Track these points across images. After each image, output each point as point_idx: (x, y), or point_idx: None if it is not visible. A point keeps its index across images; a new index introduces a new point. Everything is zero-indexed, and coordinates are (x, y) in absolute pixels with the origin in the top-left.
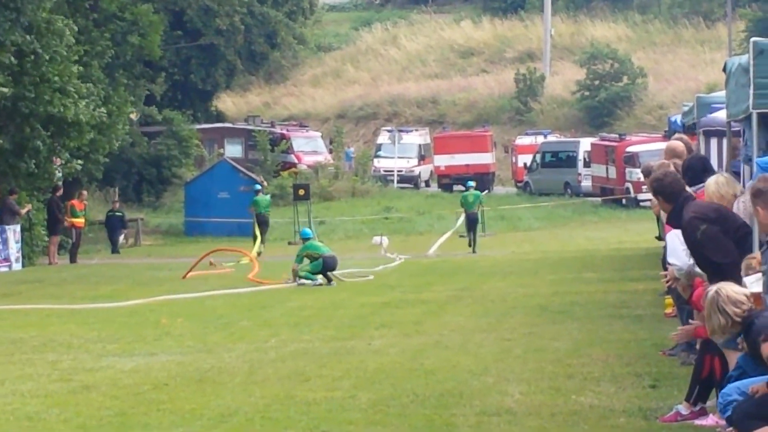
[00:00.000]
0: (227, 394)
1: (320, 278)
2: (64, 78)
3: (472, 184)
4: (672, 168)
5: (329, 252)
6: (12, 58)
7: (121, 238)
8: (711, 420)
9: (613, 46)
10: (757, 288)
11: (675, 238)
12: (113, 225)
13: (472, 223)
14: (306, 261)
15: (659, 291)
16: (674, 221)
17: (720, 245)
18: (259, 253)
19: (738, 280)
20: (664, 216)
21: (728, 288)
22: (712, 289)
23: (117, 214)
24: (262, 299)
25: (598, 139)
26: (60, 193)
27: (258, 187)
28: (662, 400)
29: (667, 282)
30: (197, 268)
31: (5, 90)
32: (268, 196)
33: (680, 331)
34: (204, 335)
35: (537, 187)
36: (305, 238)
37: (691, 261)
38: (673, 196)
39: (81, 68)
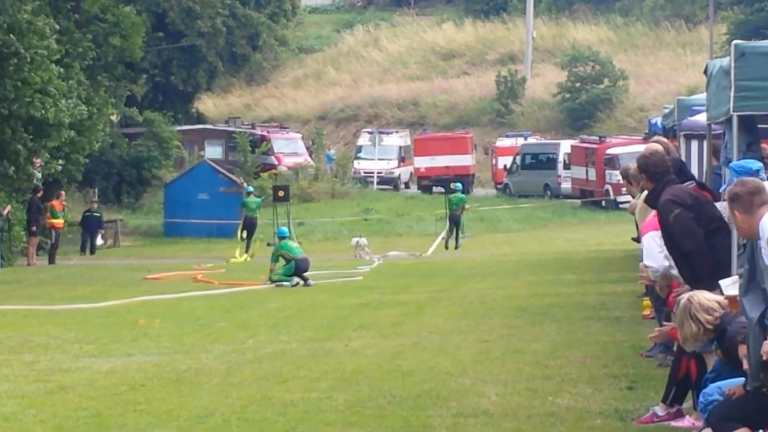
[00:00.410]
0: (204, 395)
1: (296, 278)
2: (44, 78)
3: (459, 186)
4: (662, 149)
5: (302, 254)
6: None
7: (99, 238)
8: (687, 422)
9: (595, 48)
10: (733, 291)
11: (651, 240)
12: (90, 225)
13: (454, 224)
14: (281, 261)
15: (637, 293)
16: (653, 202)
17: (690, 232)
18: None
19: (707, 271)
20: (639, 218)
21: (700, 296)
22: (684, 297)
23: (95, 214)
24: (240, 300)
25: (579, 141)
26: (40, 194)
27: (250, 189)
28: (639, 402)
29: (641, 283)
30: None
31: None
32: (258, 199)
33: (657, 332)
34: (181, 336)
35: (517, 189)
36: (281, 237)
37: (667, 263)
38: (656, 176)
39: (62, 69)
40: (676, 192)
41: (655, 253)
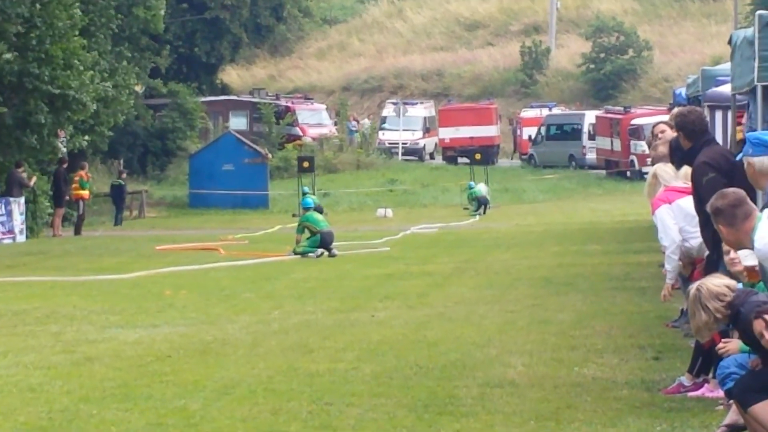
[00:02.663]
0: (230, 365)
1: (320, 249)
2: (67, 52)
3: (472, 185)
4: (699, 108)
5: (327, 227)
6: (19, 28)
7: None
8: (702, 390)
9: (619, 19)
10: (752, 261)
11: (665, 214)
12: (118, 194)
13: (483, 204)
14: (306, 232)
15: (661, 263)
16: (689, 160)
17: None
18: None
19: None
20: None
21: (708, 283)
22: (693, 286)
23: (123, 184)
24: (266, 271)
25: (603, 111)
26: (66, 165)
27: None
28: (665, 372)
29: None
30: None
31: (9, 56)
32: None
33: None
34: (207, 307)
35: (541, 159)
36: (306, 208)
37: (680, 237)
38: (694, 134)
39: (84, 41)
40: (712, 155)
41: (668, 229)
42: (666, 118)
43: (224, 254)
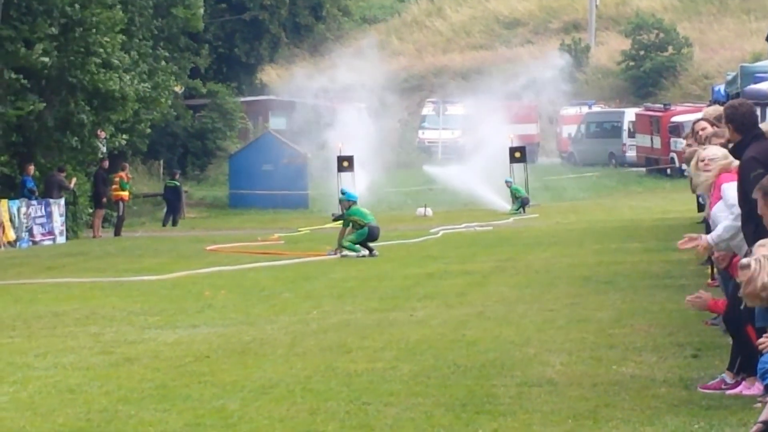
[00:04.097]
0: (268, 366)
1: (363, 250)
2: (108, 49)
3: (510, 180)
4: (750, 102)
5: (374, 221)
6: (60, 21)
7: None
8: (740, 388)
9: (659, 15)
10: None
11: (719, 214)
12: (174, 195)
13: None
14: (350, 227)
15: (699, 260)
16: (738, 153)
17: None
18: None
19: None
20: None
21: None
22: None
23: (178, 184)
24: (306, 271)
25: (643, 109)
26: (106, 165)
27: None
28: (704, 370)
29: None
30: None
31: (46, 60)
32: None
33: (691, 300)
34: (246, 307)
35: (582, 157)
36: (352, 201)
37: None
38: (743, 126)
39: (125, 38)
40: (762, 151)
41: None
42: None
43: (268, 254)
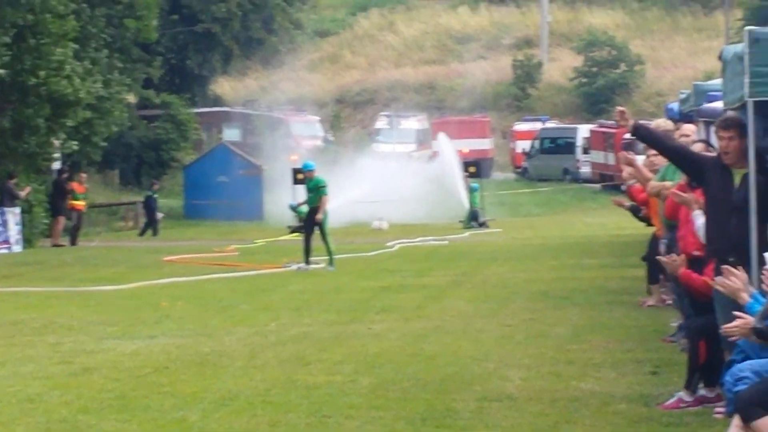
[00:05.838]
0: (228, 377)
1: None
2: (60, 57)
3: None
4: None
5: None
6: (11, 32)
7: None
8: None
9: (611, 33)
10: None
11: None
12: (151, 206)
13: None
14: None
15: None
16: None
17: (765, 202)
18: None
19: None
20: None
21: None
22: None
23: (155, 195)
24: (262, 283)
25: (597, 125)
26: (66, 175)
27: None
28: (663, 386)
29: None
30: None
31: (2, 72)
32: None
33: (667, 261)
34: (204, 318)
35: (536, 173)
36: (311, 170)
37: None
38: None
39: (77, 47)
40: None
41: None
42: None
43: (223, 265)
